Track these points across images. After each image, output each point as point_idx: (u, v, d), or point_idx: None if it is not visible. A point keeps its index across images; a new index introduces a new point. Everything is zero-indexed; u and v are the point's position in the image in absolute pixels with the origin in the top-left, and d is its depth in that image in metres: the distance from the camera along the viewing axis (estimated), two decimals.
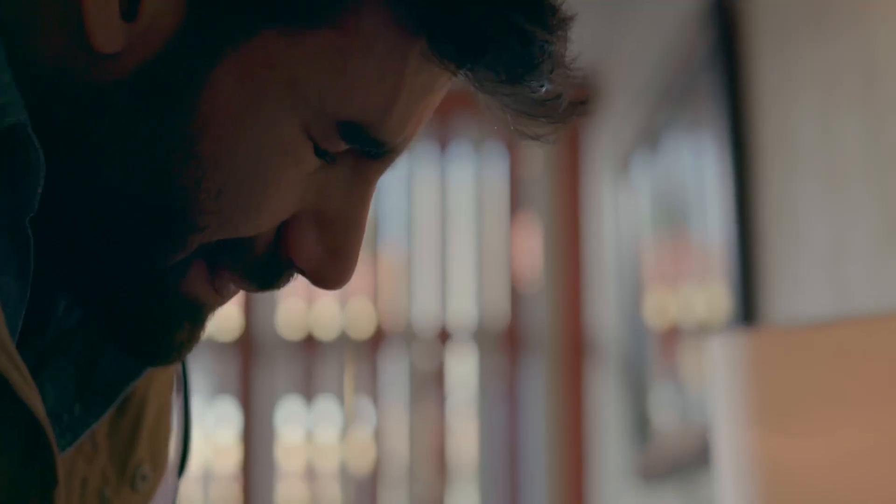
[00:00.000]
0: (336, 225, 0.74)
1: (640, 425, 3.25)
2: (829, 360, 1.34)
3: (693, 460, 2.67)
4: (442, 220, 3.91)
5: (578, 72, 0.74)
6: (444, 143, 3.89)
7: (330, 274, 0.74)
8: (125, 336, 0.74)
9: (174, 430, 0.84)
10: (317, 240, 0.73)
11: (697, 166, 2.75)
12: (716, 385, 1.45)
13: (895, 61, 1.77)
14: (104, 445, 0.79)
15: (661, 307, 3.17)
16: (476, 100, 0.76)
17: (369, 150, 0.73)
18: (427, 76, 0.72)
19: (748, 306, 2.40)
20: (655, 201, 3.17)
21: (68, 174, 0.69)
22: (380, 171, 0.75)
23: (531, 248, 3.97)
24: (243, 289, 0.75)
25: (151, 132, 0.69)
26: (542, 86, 0.72)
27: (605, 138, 3.79)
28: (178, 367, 0.85)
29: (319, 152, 0.72)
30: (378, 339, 3.82)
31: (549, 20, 0.71)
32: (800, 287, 2.14)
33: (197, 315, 0.74)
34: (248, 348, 3.78)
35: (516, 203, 3.95)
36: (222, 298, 0.75)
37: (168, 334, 0.74)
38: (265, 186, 0.70)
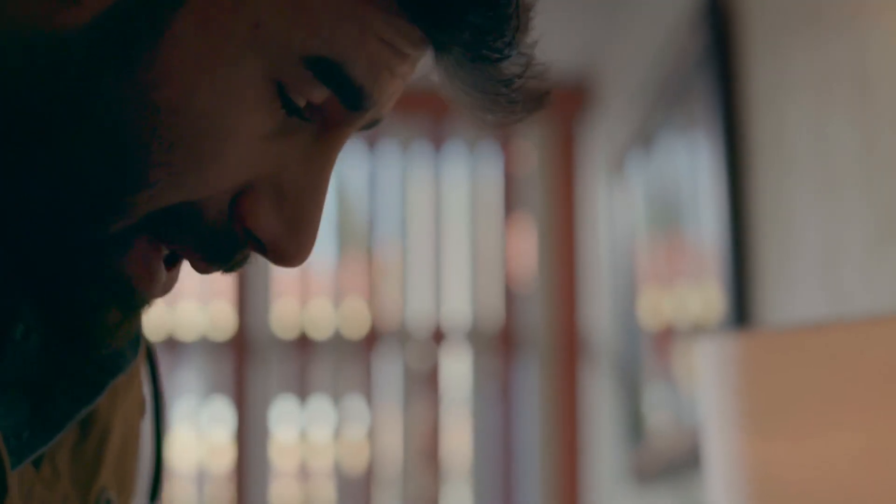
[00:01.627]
0: (294, 196, 0.71)
1: (634, 426, 3.26)
2: (819, 363, 1.33)
3: (687, 461, 2.67)
4: (436, 220, 3.91)
5: (541, 62, 0.73)
6: (438, 143, 3.89)
7: (288, 247, 0.71)
8: (60, 321, 0.71)
9: (144, 455, 0.82)
10: (274, 210, 0.71)
11: (692, 167, 2.75)
12: (706, 388, 1.45)
13: (888, 67, 1.76)
14: (66, 471, 0.77)
15: (655, 308, 3.17)
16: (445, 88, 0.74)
17: (348, 96, 0.70)
18: (391, 32, 0.70)
19: (742, 307, 2.40)
20: (650, 202, 3.18)
21: (14, 138, 0.67)
22: (339, 144, 0.73)
23: (525, 248, 3.97)
24: (196, 266, 0.72)
25: (109, 81, 0.67)
26: (507, 56, 0.70)
27: (599, 138, 3.79)
28: (149, 392, 0.83)
29: (290, 108, 0.70)
30: (372, 339, 3.82)
31: None
32: (793, 289, 2.14)
33: (127, 299, 0.71)
34: (241, 348, 3.78)
35: (511, 203, 3.95)
36: (155, 284, 0.71)
37: (96, 315, 0.71)
38: (222, 138, 0.68)
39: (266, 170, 0.71)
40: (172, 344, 3.71)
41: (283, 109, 0.70)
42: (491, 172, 3.95)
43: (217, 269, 0.73)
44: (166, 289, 0.73)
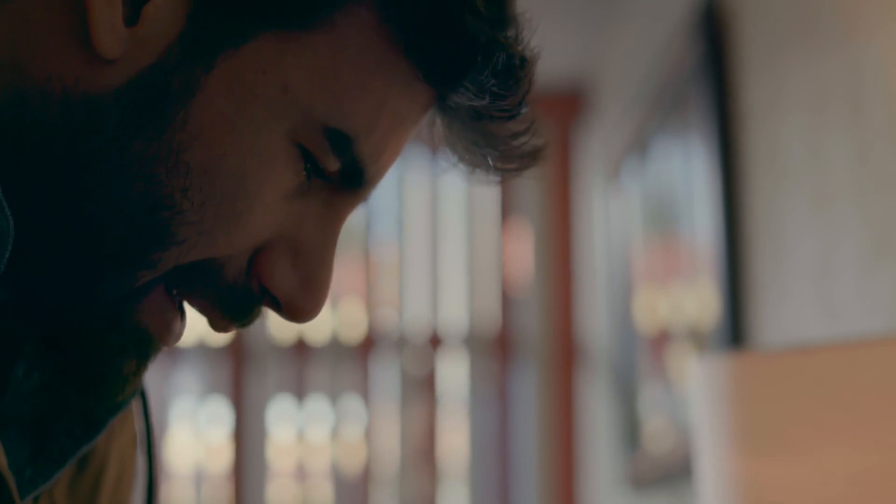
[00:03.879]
0: (308, 255, 0.73)
1: (630, 431, 3.26)
2: (812, 384, 1.34)
3: (683, 468, 2.68)
4: (433, 225, 3.92)
5: (539, 121, 0.76)
6: (434, 148, 3.88)
7: (303, 304, 0.73)
8: (75, 368, 0.72)
9: (138, 488, 0.83)
10: (290, 269, 0.73)
11: (687, 174, 2.75)
12: (699, 408, 1.46)
13: (882, 82, 1.77)
14: None
15: (651, 313, 3.17)
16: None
17: (350, 174, 0.73)
18: (406, 104, 0.73)
19: (737, 313, 2.41)
20: (645, 208, 3.18)
21: (47, 192, 0.68)
22: (351, 207, 0.75)
23: (522, 252, 3.98)
24: (211, 320, 0.74)
25: (141, 140, 0.68)
26: (515, 115, 0.73)
27: (595, 144, 3.79)
28: (141, 425, 0.84)
29: (309, 168, 0.71)
30: (369, 344, 3.83)
31: (524, 51, 0.73)
32: (787, 300, 2.15)
33: (144, 347, 0.72)
34: (239, 353, 3.78)
35: (507, 208, 3.96)
36: (172, 333, 0.73)
37: (116, 363, 0.72)
38: (251, 197, 0.70)
39: (284, 229, 0.73)
40: (170, 349, 3.71)
41: (306, 171, 0.72)
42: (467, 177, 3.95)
43: (235, 326, 0.74)
44: (179, 337, 0.74)
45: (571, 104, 3.85)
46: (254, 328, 3.78)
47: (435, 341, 3.85)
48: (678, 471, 2.75)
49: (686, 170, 2.76)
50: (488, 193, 3.94)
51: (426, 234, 3.92)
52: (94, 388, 0.73)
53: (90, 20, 0.67)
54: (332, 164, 0.72)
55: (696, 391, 1.47)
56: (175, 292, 0.72)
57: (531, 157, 0.77)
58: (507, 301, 3.92)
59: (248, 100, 0.69)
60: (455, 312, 3.88)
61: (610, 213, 3.53)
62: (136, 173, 0.68)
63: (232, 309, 0.73)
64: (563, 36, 3.49)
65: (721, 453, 1.40)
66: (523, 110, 0.74)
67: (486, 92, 0.72)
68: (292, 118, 0.70)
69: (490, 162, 0.76)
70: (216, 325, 0.74)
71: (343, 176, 0.73)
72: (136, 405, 0.84)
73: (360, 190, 0.74)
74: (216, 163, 0.69)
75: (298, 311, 0.74)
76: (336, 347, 3.82)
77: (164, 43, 0.68)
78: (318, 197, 0.73)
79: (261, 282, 0.73)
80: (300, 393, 3.84)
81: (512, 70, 0.72)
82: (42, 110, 0.68)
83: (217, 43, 0.69)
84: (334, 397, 3.86)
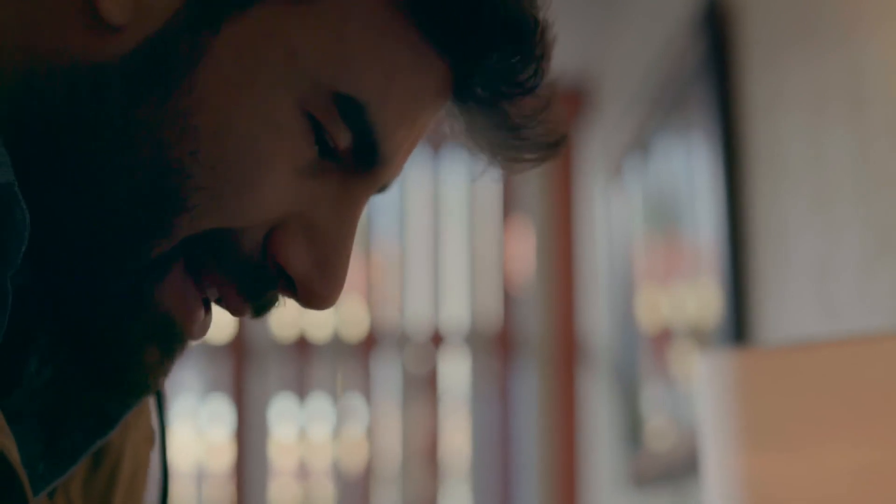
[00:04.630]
0: (324, 237, 0.72)
1: (632, 429, 3.27)
2: (815, 380, 1.35)
3: (685, 466, 2.68)
4: (435, 223, 3.92)
5: (559, 107, 0.76)
6: (436, 146, 3.90)
7: (318, 288, 0.72)
8: (93, 359, 0.71)
9: (151, 486, 0.83)
10: (305, 248, 0.72)
11: (688, 172, 2.76)
12: (704, 405, 1.46)
13: (882, 80, 1.78)
14: (79, 502, 0.78)
15: (652, 311, 3.18)
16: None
17: (363, 151, 0.72)
18: (419, 79, 0.72)
19: (739, 310, 2.42)
20: (647, 206, 3.19)
21: (55, 167, 0.67)
22: (367, 192, 0.74)
23: (524, 251, 3.98)
24: (228, 301, 0.73)
25: (149, 106, 0.67)
26: (530, 89, 0.73)
27: (597, 142, 3.80)
28: (156, 422, 0.83)
29: (321, 142, 0.71)
30: (371, 342, 3.83)
31: (538, 33, 0.73)
32: (788, 298, 2.16)
33: (168, 336, 0.71)
34: (240, 351, 3.79)
35: (509, 206, 3.96)
36: (195, 320, 0.72)
37: (136, 353, 0.70)
38: (260, 163, 0.69)
39: (298, 207, 0.71)
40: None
41: (317, 146, 0.71)
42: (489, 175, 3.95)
43: (250, 307, 0.73)
44: (204, 329, 0.73)
45: (573, 103, 3.85)
46: (255, 325, 3.79)
47: (436, 339, 3.85)
48: (680, 469, 2.75)
49: (688, 168, 2.76)
50: (490, 191, 3.95)
51: (428, 231, 3.92)
52: (116, 380, 0.72)
53: None
54: (344, 137, 0.71)
55: (700, 388, 1.48)
56: (197, 272, 0.71)
57: (551, 147, 0.76)
58: (508, 299, 3.92)
59: (255, 64, 0.69)
60: (457, 310, 3.89)
61: (612, 211, 3.53)
62: (143, 139, 0.67)
63: (249, 286, 0.72)
64: (564, 35, 3.46)
65: (725, 449, 1.41)
66: (540, 81, 0.73)
67: (499, 59, 0.71)
68: (300, 85, 0.69)
69: (509, 151, 0.76)
70: (234, 305, 0.73)
71: (356, 155, 0.72)
72: (151, 402, 0.84)
73: (375, 170, 0.73)
74: (225, 127, 0.68)
75: (314, 294, 0.72)
76: (337, 345, 3.83)
77: (170, 9, 0.68)
78: (333, 179, 0.72)
79: (276, 260, 0.71)
80: (302, 391, 3.84)
81: (526, 34, 0.72)
82: (48, 83, 0.67)
83: (223, 7, 0.68)
84: (336, 395, 3.87)
